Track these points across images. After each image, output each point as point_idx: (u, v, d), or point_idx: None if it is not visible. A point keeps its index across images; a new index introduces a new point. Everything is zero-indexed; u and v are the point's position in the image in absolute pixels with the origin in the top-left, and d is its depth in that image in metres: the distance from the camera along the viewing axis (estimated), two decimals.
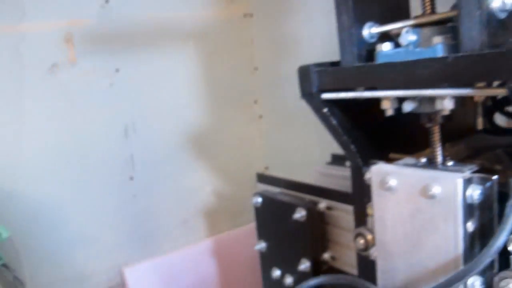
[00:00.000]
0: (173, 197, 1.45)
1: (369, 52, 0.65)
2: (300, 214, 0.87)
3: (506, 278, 0.53)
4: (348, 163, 0.80)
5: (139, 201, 1.39)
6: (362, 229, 0.70)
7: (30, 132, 1.22)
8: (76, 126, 1.28)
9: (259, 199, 0.98)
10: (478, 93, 0.52)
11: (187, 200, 1.47)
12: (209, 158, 1.50)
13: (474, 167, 0.58)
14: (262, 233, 1.00)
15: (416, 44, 0.59)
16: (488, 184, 0.54)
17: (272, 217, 0.96)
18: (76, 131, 1.28)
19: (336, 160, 1.02)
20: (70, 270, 1.30)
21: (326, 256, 0.88)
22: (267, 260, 1.00)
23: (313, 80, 0.68)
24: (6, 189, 1.20)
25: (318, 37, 1.33)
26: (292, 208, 0.88)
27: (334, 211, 0.87)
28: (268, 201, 0.96)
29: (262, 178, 1.07)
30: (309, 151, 1.46)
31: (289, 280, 0.93)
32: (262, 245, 1.00)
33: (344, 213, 0.83)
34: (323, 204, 0.88)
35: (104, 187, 1.33)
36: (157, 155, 1.41)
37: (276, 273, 0.96)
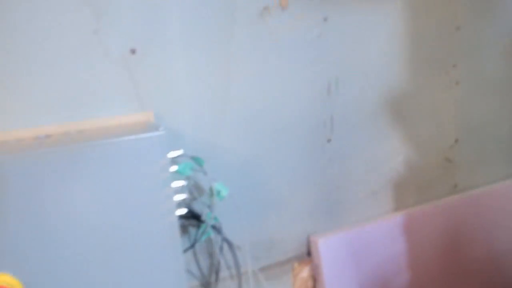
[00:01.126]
0: (364, 165, 1.31)
1: None
2: None
3: None
4: None
5: (333, 166, 1.27)
6: None
7: (237, 82, 1.11)
8: (281, 80, 1.16)
9: None
10: None
11: (377, 170, 1.34)
12: (402, 126, 1.35)
13: None
14: None
15: None
16: None
17: None
18: (280, 85, 1.16)
19: None
20: (261, 234, 1.21)
21: None
22: None
23: None
24: (211, 142, 1.11)
25: None
26: None
27: None
28: None
29: None
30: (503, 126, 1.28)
31: None
32: None
33: None
34: None
35: (301, 148, 1.22)
36: (355, 117, 1.28)
37: None
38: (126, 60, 1.01)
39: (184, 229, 1.05)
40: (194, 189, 1.07)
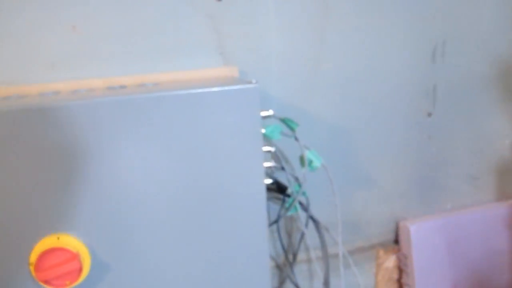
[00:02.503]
0: (467, 146, 1.14)
1: None
2: None
3: None
4: None
5: (432, 145, 1.11)
6: None
7: (332, 39, 0.97)
8: (380, 40, 1.01)
9: None
10: None
11: (481, 153, 1.16)
12: None
13: None
14: None
15: None
16: None
17: None
18: (379, 47, 1.01)
19: None
20: (346, 213, 1.07)
21: None
22: None
23: None
24: (300, 106, 0.98)
25: None
26: None
27: None
28: None
29: None
30: None
31: None
32: None
33: None
34: None
35: (397, 121, 1.07)
36: (461, 90, 1.10)
37: None
38: (211, 7, 0.89)
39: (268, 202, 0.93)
40: (282, 157, 0.95)
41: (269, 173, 0.89)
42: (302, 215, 0.92)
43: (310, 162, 0.85)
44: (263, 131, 0.82)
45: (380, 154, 1.08)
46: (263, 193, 0.76)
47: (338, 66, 0.98)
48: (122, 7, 0.84)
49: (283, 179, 0.91)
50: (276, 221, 0.90)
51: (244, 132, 0.74)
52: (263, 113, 0.82)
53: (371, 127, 1.05)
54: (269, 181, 0.84)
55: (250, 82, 0.74)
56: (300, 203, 0.92)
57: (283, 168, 0.86)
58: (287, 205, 0.88)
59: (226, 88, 0.73)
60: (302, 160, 0.85)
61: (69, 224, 0.70)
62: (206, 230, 0.75)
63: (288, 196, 0.89)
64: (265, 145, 0.82)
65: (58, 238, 0.69)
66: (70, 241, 0.70)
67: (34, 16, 0.81)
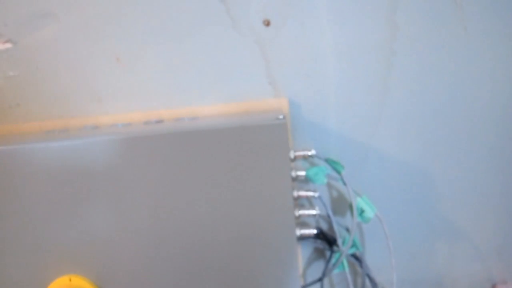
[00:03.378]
0: None
1: None
2: None
3: None
4: None
5: None
6: None
7: (402, 63, 0.81)
8: (464, 62, 0.82)
9: None
10: None
11: None
12: None
13: None
14: None
15: None
16: None
17: None
18: (462, 71, 0.82)
19: None
20: (425, 271, 0.89)
21: None
22: None
23: None
24: (360, 143, 0.84)
25: None
26: None
27: None
28: None
29: None
30: None
31: None
32: None
33: None
34: None
35: (491, 159, 0.86)
36: None
37: None
38: (258, 33, 0.80)
39: (316, 254, 0.81)
40: (331, 204, 0.82)
41: (313, 222, 0.77)
42: (357, 272, 0.77)
43: (361, 211, 0.71)
44: (304, 173, 0.71)
45: (470, 199, 0.88)
46: (293, 248, 0.65)
47: (410, 95, 0.82)
48: (166, 37, 0.80)
49: (336, 228, 0.77)
50: (320, 279, 0.77)
51: (270, 172, 0.64)
52: (303, 153, 0.70)
53: (457, 166, 0.86)
54: (312, 231, 0.72)
55: (277, 118, 0.64)
56: (356, 258, 0.78)
57: (328, 217, 0.73)
58: (333, 261, 0.75)
59: (245, 124, 0.63)
60: (351, 209, 0.72)
61: (83, 266, 0.67)
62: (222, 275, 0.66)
63: (337, 250, 0.75)
64: (308, 190, 0.71)
65: (70, 280, 0.67)
66: (82, 284, 0.66)
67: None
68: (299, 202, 0.79)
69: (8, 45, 0.84)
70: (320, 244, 0.79)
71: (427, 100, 0.82)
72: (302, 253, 0.87)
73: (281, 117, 0.64)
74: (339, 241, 0.73)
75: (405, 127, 0.83)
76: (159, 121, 0.78)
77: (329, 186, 0.77)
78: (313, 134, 0.83)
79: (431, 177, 0.85)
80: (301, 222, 0.81)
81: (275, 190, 0.64)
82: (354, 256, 0.78)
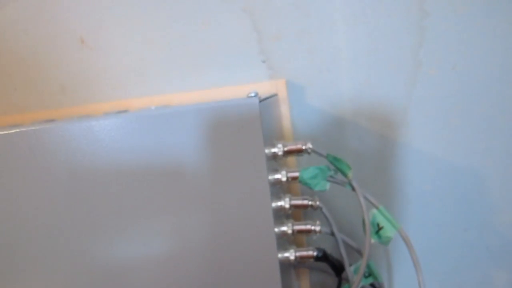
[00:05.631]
0: None
1: None
2: None
3: None
4: None
5: None
6: None
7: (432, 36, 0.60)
8: None
9: None
10: None
11: None
12: None
13: None
14: None
15: None
16: None
17: None
18: None
19: None
20: None
21: None
22: None
23: None
24: (389, 137, 0.63)
25: None
26: None
27: None
28: None
29: None
30: None
31: None
32: None
33: None
34: None
35: None
36: None
37: None
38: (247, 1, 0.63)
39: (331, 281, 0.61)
40: (340, 217, 0.62)
41: (314, 241, 0.58)
42: None
43: (378, 228, 0.51)
44: (297, 174, 0.51)
45: None
46: (275, 274, 0.46)
47: (450, 71, 0.61)
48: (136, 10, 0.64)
49: (345, 250, 0.57)
50: None
51: (245, 162, 0.45)
52: (295, 146, 0.51)
53: None
54: (311, 253, 0.53)
55: (249, 96, 0.46)
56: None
57: (332, 234, 0.53)
58: None
59: (210, 106, 0.46)
60: (364, 225, 0.52)
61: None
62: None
63: (345, 281, 0.55)
64: (305, 198, 0.52)
65: None
66: None
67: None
68: (293, 214, 0.59)
69: None
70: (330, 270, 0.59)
71: (472, 78, 0.61)
72: (311, 280, 0.68)
73: (252, 94, 0.46)
74: (347, 269, 0.53)
75: (445, 114, 0.62)
76: (122, 111, 0.62)
77: (336, 193, 0.58)
78: (319, 124, 0.64)
79: (482, 179, 0.63)
80: (295, 240, 0.62)
81: (247, 193, 0.45)
82: (373, 286, 0.57)
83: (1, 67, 0.71)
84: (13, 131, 0.48)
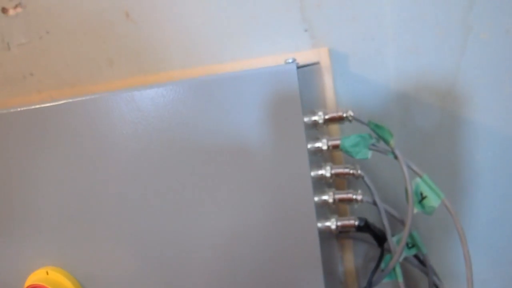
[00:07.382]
0: None
1: None
2: None
3: None
4: None
5: None
6: None
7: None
8: None
9: None
10: None
11: None
12: None
13: None
14: None
15: None
16: None
17: None
18: None
19: None
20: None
21: None
22: None
23: None
24: (439, 106, 0.61)
25: None
26: None
27: None
28: None
29: None
30: None
31: None
32: None
33: None
34: None
35: None
36: None
37: None
38: None
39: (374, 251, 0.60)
40: (382, 185, 0.60)
41: (357, 211, 0.57)
42: (420, 280, 0.55)
43: (421, 197, 0.50)
44: (338, 142, 0.51)
45: None
46: (315, 244, 0.46)
47: (503, 37, 0.58)
48: None
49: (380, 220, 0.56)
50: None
51: (284, 130, 0.45)
52: (336, 114, 0.51)
53: None
54: (353, 222, 0.53)
55: (287, 62, 0.46)
56: (418, 260, 0.56)
57: (375, 204, 0.53)
58: (382, 266, 0.54)
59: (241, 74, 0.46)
60: (406, 194, 0.51)
61: (64, 259, 0.55)
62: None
63: (387, 251, 0.54)
64: (346, 166, 0.51)
65: (47, 273, 0.56)
66: (59, 279, 0.55)
67: None
68: (337, 184, 0.59)
69: (19, 10, 0.75)
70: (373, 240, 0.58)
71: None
72: (354, 250, 0.67)
73: (290, 60, 0.46)
74: (390, 239, 0.52)
75: (497, 81, 0.59)
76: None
77: (379, 162, 0.56)
78: (364, 94, 0.62)
79: None
80: (338, 210, 0.62)
81: (286, 161, 0.45)
82: (416, 259, 0.56)
83: (54, 45, 0.74)
84: (62, 102, 0.50)
